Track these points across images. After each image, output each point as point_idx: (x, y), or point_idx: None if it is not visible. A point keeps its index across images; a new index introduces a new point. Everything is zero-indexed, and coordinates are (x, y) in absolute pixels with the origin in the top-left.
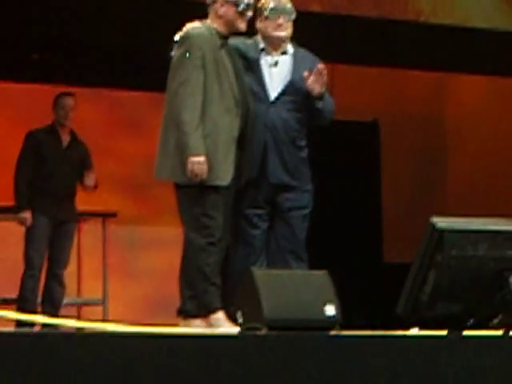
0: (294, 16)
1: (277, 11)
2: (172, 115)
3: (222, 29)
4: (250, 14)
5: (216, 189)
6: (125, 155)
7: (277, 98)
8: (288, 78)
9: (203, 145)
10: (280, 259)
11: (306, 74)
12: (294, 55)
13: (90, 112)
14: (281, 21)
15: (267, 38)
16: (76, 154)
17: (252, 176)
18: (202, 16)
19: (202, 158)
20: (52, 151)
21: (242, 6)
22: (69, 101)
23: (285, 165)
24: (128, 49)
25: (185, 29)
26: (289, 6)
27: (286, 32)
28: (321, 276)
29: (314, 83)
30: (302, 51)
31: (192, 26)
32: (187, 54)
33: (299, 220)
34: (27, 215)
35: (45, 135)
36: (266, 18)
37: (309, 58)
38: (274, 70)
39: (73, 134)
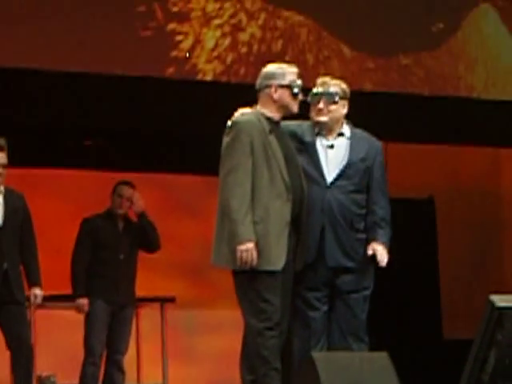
0: (337, 98)
1: (316, 95)
2: (223, 203)
3: (274, 113)
4: (301, 96)
5: (270, 273)
6: (181, 240)
7: (333, 182)
8: (345, 161)
9: (252, 232)
10: (341, 341)
11: (370, 252)
12: (351, 137)
13: (145, 197)
14: (321, 105)
15: (314, 123)
16: (132, 238)
17: (309, 260)
18: (255, 99)
19: (250, 245)
20: (108, 236)
21: (295, 89)
22: (127, 190)
23: (342, 247)
24: (181, 134)
25: (234, 116)
26: (331, 89)
27: (327, 117)
28: (381, 358)
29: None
30: (359, 132)
31: (241, 112)
32: (235, 141)
33: (359, 302)
34: (84, 302)
35: (101, 221)
36: (310, 103)
37: (366, 139)
38: (330, 152)
39: (128, 218)
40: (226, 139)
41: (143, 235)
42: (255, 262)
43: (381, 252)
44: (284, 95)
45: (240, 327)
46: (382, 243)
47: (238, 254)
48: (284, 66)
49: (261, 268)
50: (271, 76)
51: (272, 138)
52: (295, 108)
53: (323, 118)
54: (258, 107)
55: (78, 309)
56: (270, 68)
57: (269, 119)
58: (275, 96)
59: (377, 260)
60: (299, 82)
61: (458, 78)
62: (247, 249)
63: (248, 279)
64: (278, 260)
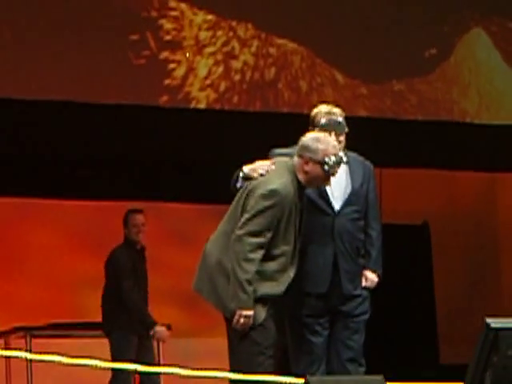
0: (346, 130)
1: (328, 127)
2: (230, 254)
3: (304, 182)
4: (336, 170)
5: (264, 300)
6: (175, 267)
7: (340, 210)
8: (349, 188)
9: (252, 300)
10: (338, 365)
11: (364, 283)
12: (349, 163)
13: None
14: (332, 137)
15: None
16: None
17: (323, 290)
18: (248, 127)
19: (250, 312)
20: (136, 267)
21: (327, 167)
22: (139, 217)
23: (351, 276)
24: (175, 162)
25: (277, 182)
26: (340, 119)
27: (339, 147)
28: (377, 381)
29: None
30: (353, 155)
31: (281, 179)
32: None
33: (359, 326)
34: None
35: (126, 252)
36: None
37: (360, 161)
38: (333, 180)
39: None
40: (263, 203)
41: None
42: (248, 327)
43: (371, 279)
44: (315, 170)
45: None
46: (374, 271)
47: (237, 317)
48: (321, 138)
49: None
50: (305, 148)
51: (297, 207)
52: (326, 184)
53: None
54: (295, 167)
55: (160, 337)
56: (306, 139)
57: (301, 185)
58: (306, 168)
59: (366, 286)
60: (333, 158)
61: (452, 103)
62: (247, 315)
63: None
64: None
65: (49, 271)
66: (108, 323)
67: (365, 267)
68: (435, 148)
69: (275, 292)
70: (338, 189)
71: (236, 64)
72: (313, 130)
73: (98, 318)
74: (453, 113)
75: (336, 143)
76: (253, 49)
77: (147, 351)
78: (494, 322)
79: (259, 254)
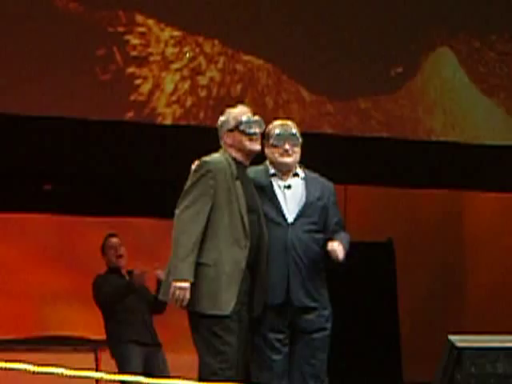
0: (300, 141)
1: (282, 137)
2: (173, 237)
3: (237, 156)
4: (255, 130)
5: (221, 316)
6: None
7: (294, 221)
8: (303, 200)
9: (192, 272)
10: (300, 381)
11: (328, 248)
12: (305, 177)
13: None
14: (287, 147)
15: (275, 164)
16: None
17: (278, 301)
18: (214, 143)
19: (185, 285)
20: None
21: (242, 126)
22: (114, 240)
23: (306, 287)
24: (141, 178)
25: (203, 158)
26: (294, 131)
27: (293, 157)
28: None
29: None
30: (311, 173)
31: (213, 155)
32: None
33: (320, 342)
34: None
35: (107, 278)
36: (272, 144)
37: (318, 179)
38: (288, 192)
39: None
40: (191, 177)
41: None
42: (185, 302)
43: (336, 248)
44: (235, 137)
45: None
46: (339, 240)
47: (172, 290)
48: (229, 110)
49: (208, 312)
50: (219, 127)
51: (238, 184)
52: (253, 146)
53: (289, 159)
54: (224, 151)
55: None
56: (218, 120)
57: (238, 163)
58: (228, 141)
59: (332, 256)
60: (244, 117)
61: (417, 121)
62: (181, 287)
63: (201, 320)
64: (225, 305)
65: (13, 285)
66: (110, 341)
67: (331, 239)
68: (400, 166)
69: (236, 268)
70: (293, 201)
71: (202, 80)
72: (267, 144)
73: (63, 332)
74: (418, 131)
75: (246, 109)
76: (219, 65)
77: (157, 362)
78: (458, 340)
79: (197, 226)
